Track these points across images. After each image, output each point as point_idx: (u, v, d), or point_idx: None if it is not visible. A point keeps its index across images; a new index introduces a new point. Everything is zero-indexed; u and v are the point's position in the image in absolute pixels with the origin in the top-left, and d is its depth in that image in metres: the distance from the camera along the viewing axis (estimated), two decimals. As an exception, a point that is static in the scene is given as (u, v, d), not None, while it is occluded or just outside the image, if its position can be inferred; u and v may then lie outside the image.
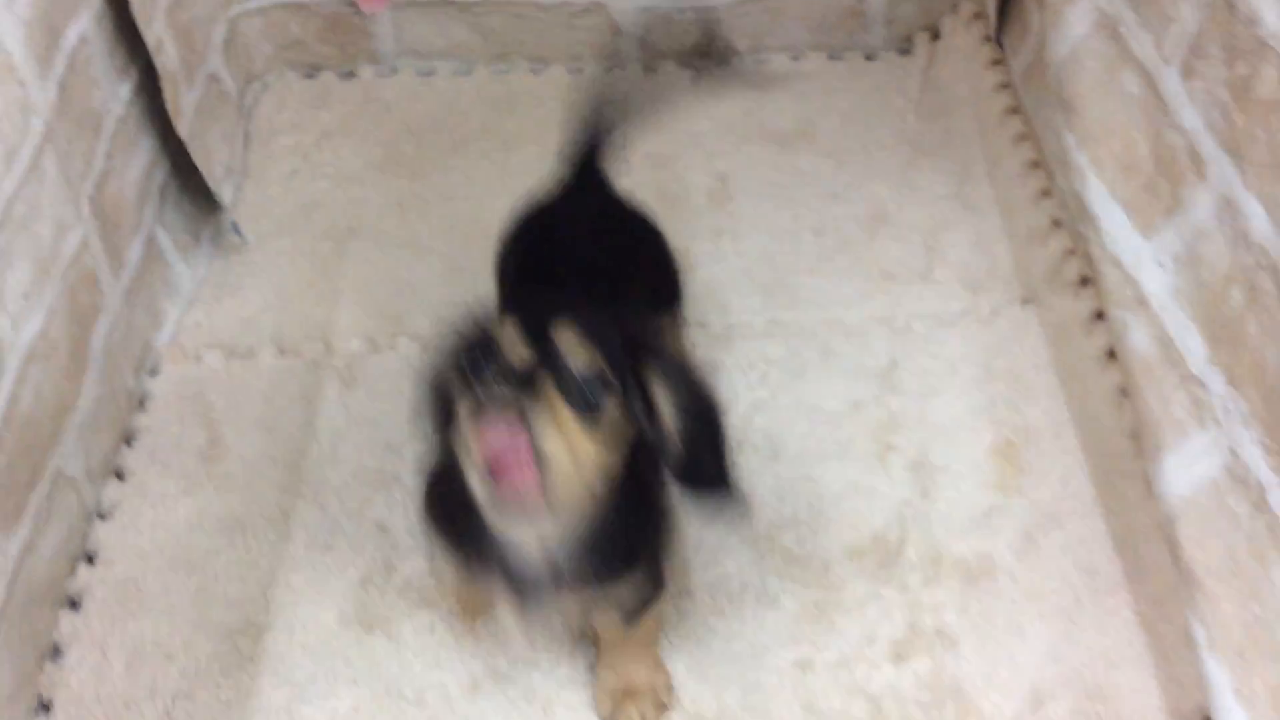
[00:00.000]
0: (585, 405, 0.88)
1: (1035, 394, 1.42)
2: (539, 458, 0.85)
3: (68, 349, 1.31)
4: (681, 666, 1.23)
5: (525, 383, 0.86)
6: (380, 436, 1.45)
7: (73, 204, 1.33)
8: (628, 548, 1.02)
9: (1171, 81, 1.17)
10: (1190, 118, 1.14)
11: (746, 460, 1.40)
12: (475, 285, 1.62)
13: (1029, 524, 1.31)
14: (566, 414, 0.87)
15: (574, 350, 0.89)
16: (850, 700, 1.21)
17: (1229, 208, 1.08)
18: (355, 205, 1.75)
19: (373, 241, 1.70)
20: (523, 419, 0.85)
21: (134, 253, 1.50)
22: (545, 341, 0.88)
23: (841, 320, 1.54)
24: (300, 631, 1.28)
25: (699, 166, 1.75)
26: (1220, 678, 1.04)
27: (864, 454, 1.41)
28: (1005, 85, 1.67)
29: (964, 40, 1.78)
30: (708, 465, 0.97)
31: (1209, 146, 1.11)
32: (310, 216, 1.73)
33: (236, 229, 1.67)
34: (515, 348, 0.88)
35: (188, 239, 1.65)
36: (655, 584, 1.10)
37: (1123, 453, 1.26)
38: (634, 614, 1.11)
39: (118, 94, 1.47)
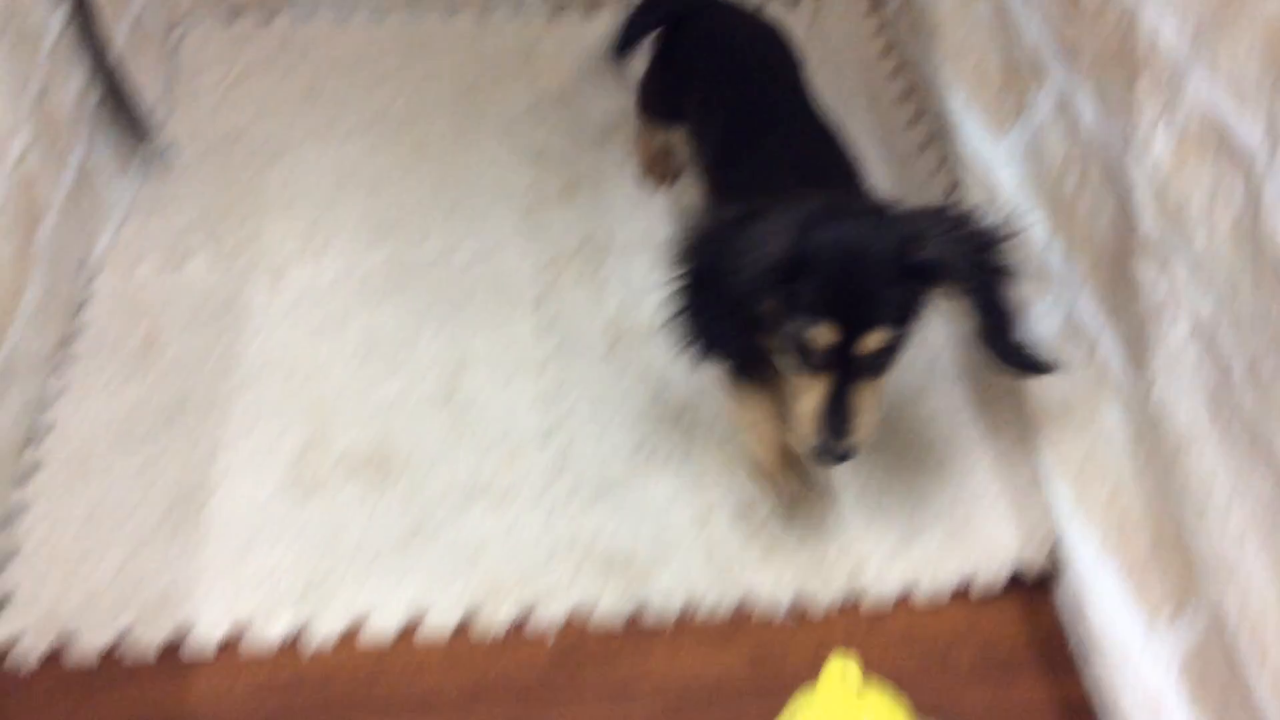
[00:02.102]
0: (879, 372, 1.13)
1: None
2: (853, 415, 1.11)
3: (16, 241, 1.40)
4: (596, 517, 1.37)
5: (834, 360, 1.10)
6: (308, 327, 1.56)
7: (16, 109, 1.42)
8: None
9: (1014, 2, 1.36)
10: (1031, 33, 1.33)
11: (659, 346, 1.55)
12: (397, 203, 1.75)
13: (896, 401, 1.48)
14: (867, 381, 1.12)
15: (874, 344, 1.09)
16: (747, 544, 1.36)
17: (1064, 106, 1.27)
18: (277, 135, 1.85)
19: (297, 165, 1.80)
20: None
21: (72, 167, 1.58)
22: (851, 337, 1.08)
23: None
24: (243, 497, 1.39)
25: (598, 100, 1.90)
26: (1063, 492, 1.22)
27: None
28: (881, 28, 1.85)
29: (844, -8, 1.97)
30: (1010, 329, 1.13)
31: (1047, 55, 1.30)
32: (236, 143, 1.83)
33: (166, 153, 1.77)
34: (825, 337, 1.08)
35: (120, 162, 1.74)
36: None
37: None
38: None
39: (54, 17, 1.55)
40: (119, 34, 1.71)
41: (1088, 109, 1.23)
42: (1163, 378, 1.08)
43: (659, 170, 1.75)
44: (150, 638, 1.27)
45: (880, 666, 1.24)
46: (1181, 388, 1.06)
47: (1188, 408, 1.05)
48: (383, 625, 1.29)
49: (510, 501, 1.39)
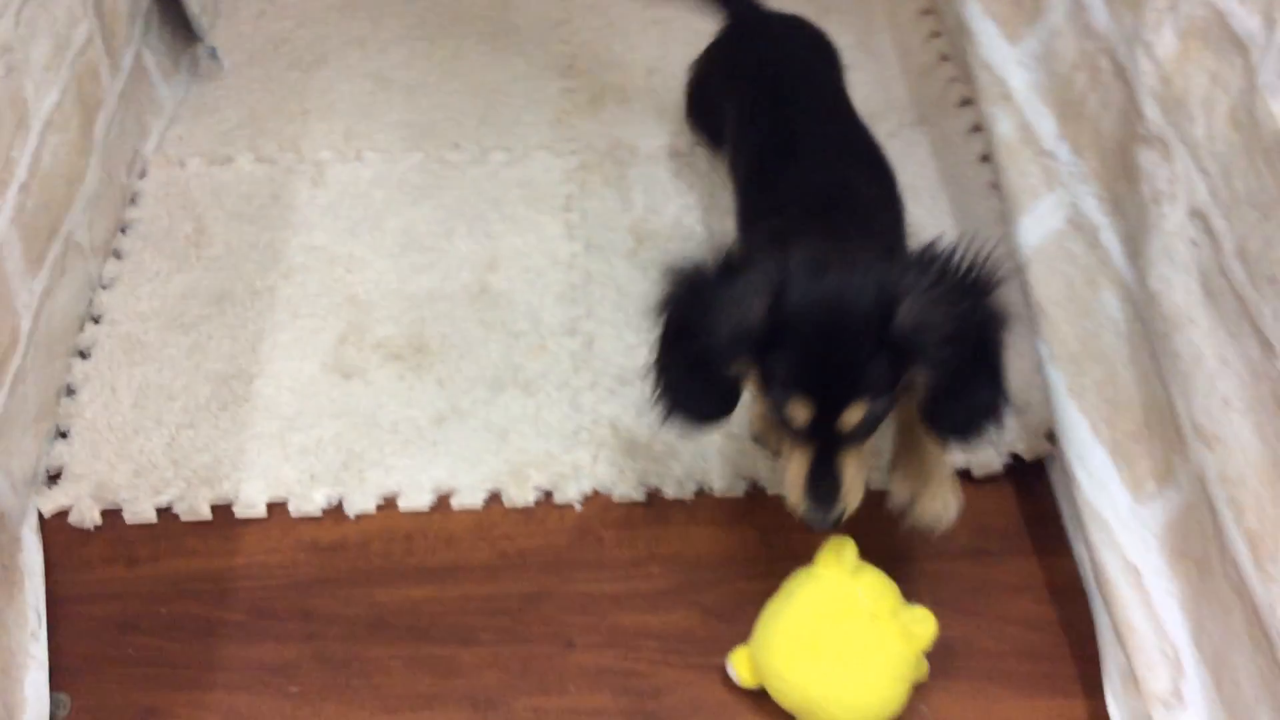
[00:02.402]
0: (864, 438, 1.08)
1: (921, 195, 1.65)
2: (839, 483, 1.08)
3: (77, 127, 1.48)
4: (619, 404, 1.45)
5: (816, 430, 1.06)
6: (348, 223, 1.64)
7: (80, 1, 1.49)
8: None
9: (1030, -91, 1.40)
10: (1047, -63, 1.37)
11: (680, 248, 1.61)
12: (432, 109, 1.82)
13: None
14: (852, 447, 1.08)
15: (854, 419, 1.04)
16: (760, 432, 1.43)
17: (1076, 9, 1.31)
18: (320, 42, 1.92)
19: (337, 72, 1.87)
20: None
21: (126, 62, 1.66)
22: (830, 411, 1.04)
23: (758, 143, 1.76)
24: (286, 378, 1.47)
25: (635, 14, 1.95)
26: (1059, 382, 1.28)
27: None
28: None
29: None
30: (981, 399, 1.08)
31: (1062, -41, 1.34)
32: (278, 50, 1.91)
33: (215, 54, 1.84)
34: (801, 413, 1.04)
35: (169, 64, 1.82)
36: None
37: (991, 235, 1.50)
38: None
39: (111, -86, 1.63)
40: (166, -58, 1.78)
41: (1099, 10, 1.28)
42: (1159, 261, 1.14)
43: None
44: (198, 507, 1.35)
45: (878, 544, 1.30)
46: (1177, 269, 1.11)
47: (1182, 287, 1.10)
48: (416, 498, 1.37)
49: (537, 388, 1.47)
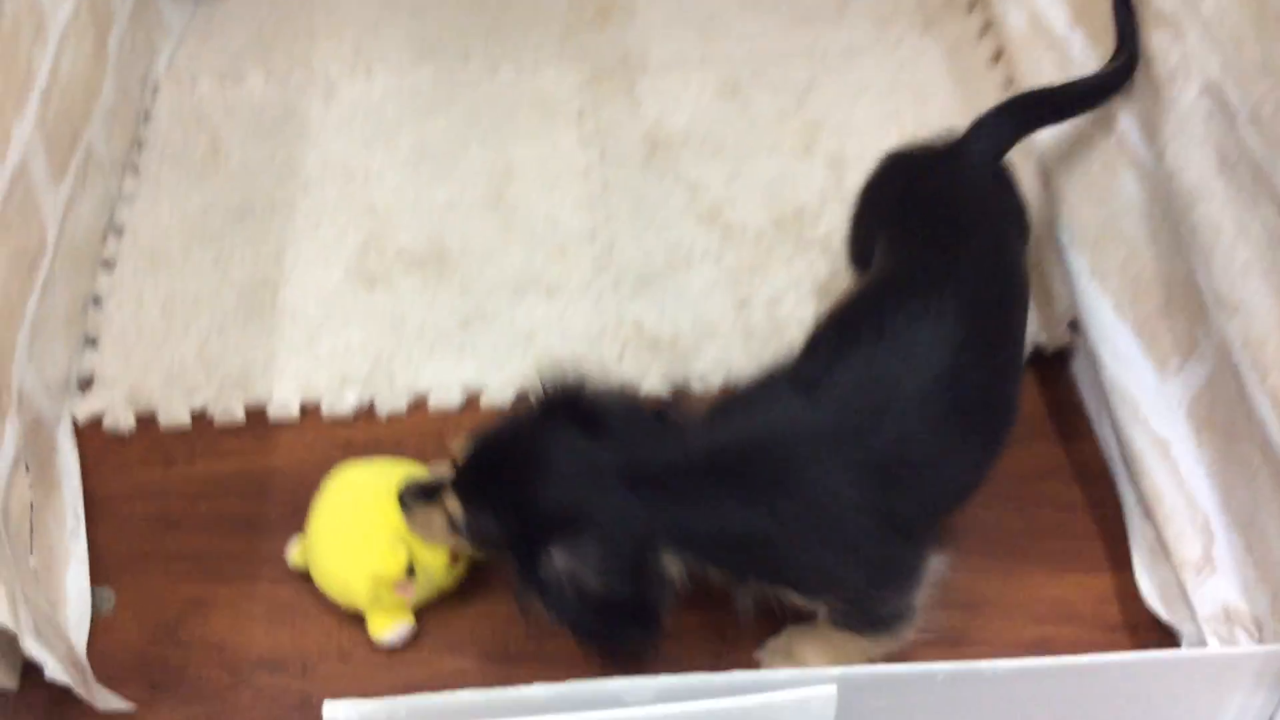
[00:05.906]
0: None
1: (934, 99, 1.66)
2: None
3: (92, 40, 1.48)
4: (640, 305, 1.46)
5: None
6: (362, 137, 1.65)
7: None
8: None
9: None
10: None
11: (694, 154, 1.62)
12: (438, 26, 1.82)
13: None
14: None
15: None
16: (782, 327, 1.45)
17: (1090, -104, 1.33)
18: (323, -38, 1.91)
19: (343, -7, 1.87)
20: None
21: (134, -17, 1.66)
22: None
23: (767, 50, 1.77)
24: (311, 287, 1.48)
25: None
26: (1081, 266, 1.31)
27: (790, 150, 1.64)
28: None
29: None
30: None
31: None
32: (283, -28, 1.90)
33: (219, -25, 1.83)
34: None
35: (174, -13, 1.81)
36: None
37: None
38: None
39: None
40: None
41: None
42: (1175, 140, 1.16)
43: None
44: (233, 410, 1.37)
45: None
46: (1192, 145, 1.14)
47: (1198, 162, 1.13)
48: (446, 397, 1.39)
49: (559, 292, 1.48)
